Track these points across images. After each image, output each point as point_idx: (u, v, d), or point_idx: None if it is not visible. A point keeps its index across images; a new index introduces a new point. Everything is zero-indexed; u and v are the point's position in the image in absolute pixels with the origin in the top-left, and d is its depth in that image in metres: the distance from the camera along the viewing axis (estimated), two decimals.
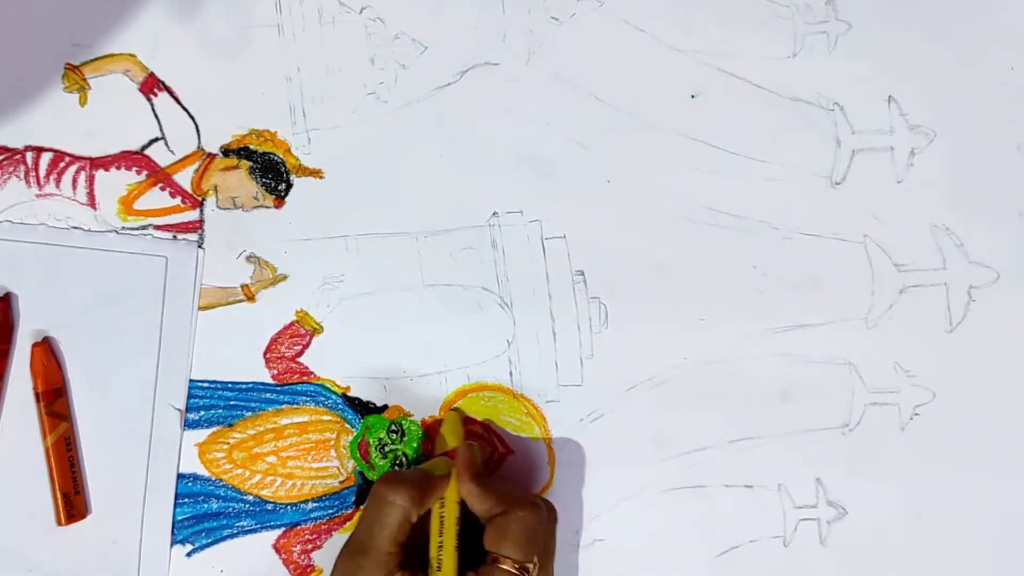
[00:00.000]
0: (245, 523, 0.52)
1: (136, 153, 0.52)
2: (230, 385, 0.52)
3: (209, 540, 0.52)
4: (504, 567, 0.44)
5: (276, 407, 0.52)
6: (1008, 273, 0.53)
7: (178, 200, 0.52)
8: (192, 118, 0.52)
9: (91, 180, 0.52)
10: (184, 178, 0.52)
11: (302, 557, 0.52)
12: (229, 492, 0.52)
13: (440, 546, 0.46)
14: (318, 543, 0.52)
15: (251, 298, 0.52)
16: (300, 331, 0.52)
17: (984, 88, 0.53)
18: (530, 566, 0.44)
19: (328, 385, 0.52)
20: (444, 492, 0.46)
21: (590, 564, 0.52)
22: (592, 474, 0.52)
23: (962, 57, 0.53)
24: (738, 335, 0.53)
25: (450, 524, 0.46)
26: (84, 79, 0.52)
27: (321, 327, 0.52)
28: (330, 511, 0.52)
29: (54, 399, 0.51)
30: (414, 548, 0.46)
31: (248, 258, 0.52)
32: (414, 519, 0.45)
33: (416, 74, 0.53)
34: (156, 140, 0.52)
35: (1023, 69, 0.53)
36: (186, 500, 0.52)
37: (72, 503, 0.51)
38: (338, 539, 0.52)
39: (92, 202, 0.52)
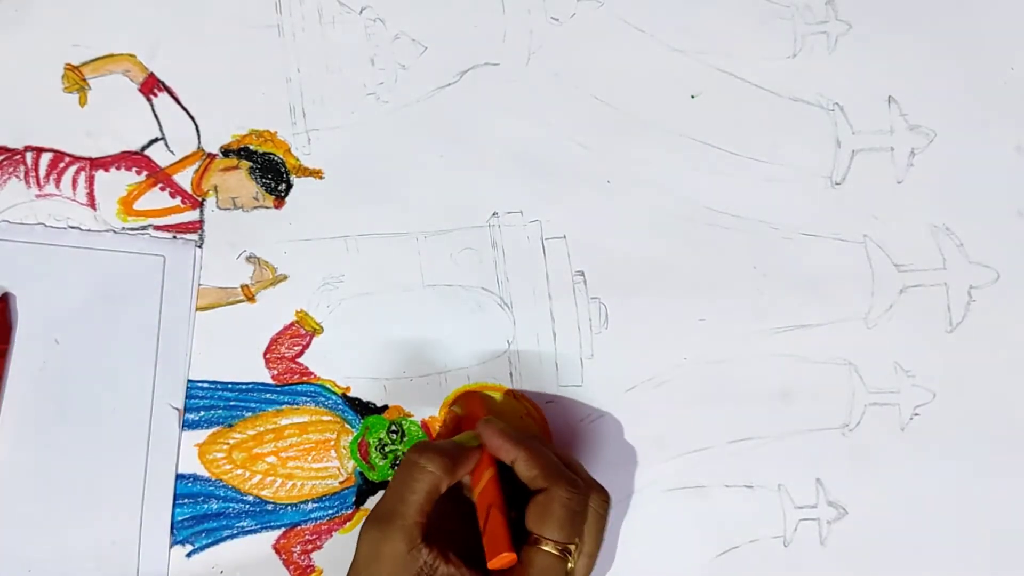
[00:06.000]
0: (245, 523, 0.52)
1: (136, 153, 0.52)
2: (230, 385, 0.52)
3: (209, 541, 0.52)
4: (546, 548, 0.43)
5: (276, 407, 0.52)
6: (1008, 273, 0.53)
7: (178, 200, 0.52)
8: (192, 118, 0.52)
9: (91, 180, 0.52)
10: (184, 178, 0.52)
11: (302, 558, 0.52)
12: (229, 492, 0.52)
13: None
14: (318, 543, 0.52)
15: (251, 298, 0.52)
16: (300, 331, 0.52)
17: (984, 88, 0.53)
18: (572, 547, 0.43)
19: (328, 385, 0.52)
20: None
21: None
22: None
23: (962, 57, 0.53)
24: (738, 335, 0.53)
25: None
26: (84, 79, 0.52)
27: (321, 327, 0.52)
28: (330, 511, 0.52)
29: None
30: (439, 531, 0.45)
31: (248, 258, 0.52)
32: (443, 489, 0.44)
33: (416, 74, 0.53)
34: (156, 140, 0.52)
35: (1023, 69, 0.53)
36: (186, 501, 0.52)
37: None
38: (338, 539, 0.52)
39: (92, 202, 0.52)
